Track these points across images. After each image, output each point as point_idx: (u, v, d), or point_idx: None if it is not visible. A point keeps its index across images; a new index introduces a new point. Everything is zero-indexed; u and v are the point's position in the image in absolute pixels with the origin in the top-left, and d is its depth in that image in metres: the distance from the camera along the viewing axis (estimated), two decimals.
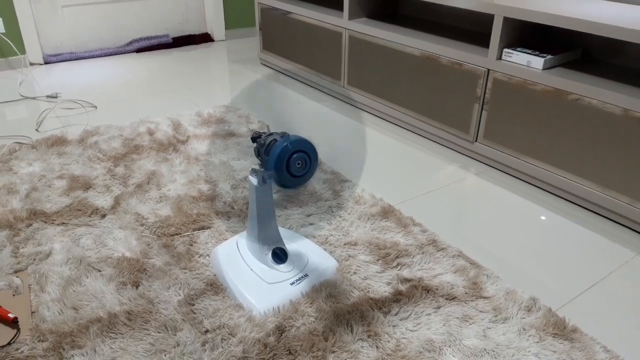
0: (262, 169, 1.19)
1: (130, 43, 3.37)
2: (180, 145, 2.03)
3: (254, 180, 1.21)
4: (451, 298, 1.26)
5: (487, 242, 1.51)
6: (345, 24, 2.41)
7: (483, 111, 1.90)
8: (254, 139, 1.22)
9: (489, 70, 1.85)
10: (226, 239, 1.45)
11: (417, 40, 2.08)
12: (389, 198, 1.70)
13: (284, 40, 2.88)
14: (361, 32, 2.33)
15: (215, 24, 3.62)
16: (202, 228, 1.51)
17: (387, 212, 1.59)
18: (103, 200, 1.64)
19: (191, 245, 1.43)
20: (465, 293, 1.28)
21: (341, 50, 2.48)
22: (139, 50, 3.35)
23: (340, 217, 1.57)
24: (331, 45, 2.53)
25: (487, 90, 1.87)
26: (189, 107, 2.46)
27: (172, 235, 1.48)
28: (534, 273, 1.38)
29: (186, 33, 3.59)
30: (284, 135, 1.15)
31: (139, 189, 1.71)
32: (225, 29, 3.67)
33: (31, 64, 3.03)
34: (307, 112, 2.45)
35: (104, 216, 1.57)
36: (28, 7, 2.92)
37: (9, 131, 2.18)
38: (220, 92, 2.74)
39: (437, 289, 1.29)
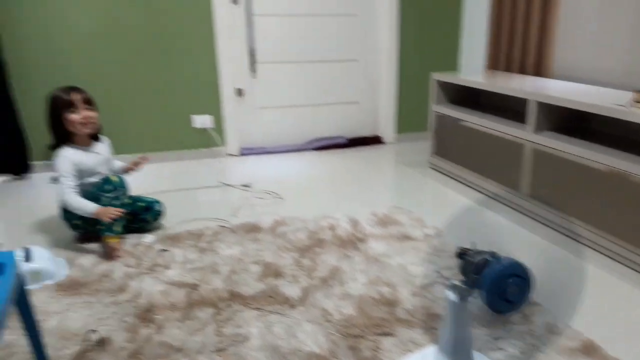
0: (464, 286, 1.18)
1: (311, 142, 3.72)
2: (359, 243, 2.12)
3: (453, 296, 1.21)
4: None
5: None
6: (529, 136, 2.39)
7: None
8: (459, 255, 1.23)
9: None
10: (411, 351, 1.44)
11: (609, 157, 1.97)
12: (588, 331, 1.55)
13: (456, 147, 2.94)
14: (547, 146, 2.29)
15: (386, 127, 3.84)
16: (385, 334, 1.52)
17: (589, 349, 1.45)
18: (292, 290, 1.76)
19: (376, 351, 1.45)
20: None
21: (522, 161, 2.44)
22: (317, 149, 3.67)
23: (533, 346, 1.47)
24: (510, 156, 2.51)
25: None
26: (363, 206, 2.58)
27: (356, 336, 1.51)
28: None
29: (359, 135, 3.86)
30: (494, 255, 1.15)
31: (324, 283, 1.81)
32: (396, 132, 3.87)
33: (228, 155, 3.49)
34: (482, 221, 2.41)
35: (293, 306, 1.67)
36: (233, 107, 3.43)
37: (209, 213, 2.48)
38: (392, 193, 2.84)
39: None
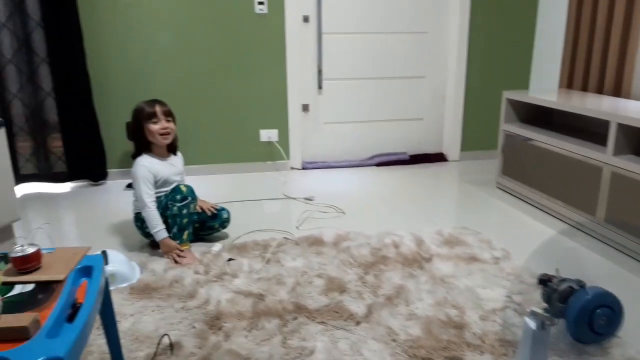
0: (546, 314, 1.13)
1: (372, 157, 3.71)
2: (425, 262, 2.09)
3: (531, 323, 1.16)
4: None
5: None
6: (608, 159, 2.27)
7: None
8: (542, 282, 1.19)
9: None
10: None
11: None
12: None
13: (526, 167, 2.84)
14: (627, 169, 2.16)
15: (451, 145, 3.78)
16: (453, 358, 1.48)
17: None
18: (357, 307, 1.75)
19: None
20: None
21: (599, 185, 2.32)
22: (379, 164, 3.65)
23: None
24: (586, 179, 2.40)
25: None
26: (427, 224, 2.54)
27: (423, 358, 1.48)
28: None
29: (422, 152, 3.81)
30: (580, 283, 1.10)
31: (389, 301, 1.78)
32: (460, 150, 3.79)
33: (291, 168, 3.54)
34: (554, 246, 2.30)
35: (358, 323, 1.66)
36: (298, 121, 3.49)
37: (274, 225, 2.52)
38: (457, 212, 2.78)
39: None
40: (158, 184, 2.19)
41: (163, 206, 2.14)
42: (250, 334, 1.59)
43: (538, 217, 2.67)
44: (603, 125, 2.36)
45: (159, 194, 2.18)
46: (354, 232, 2.40)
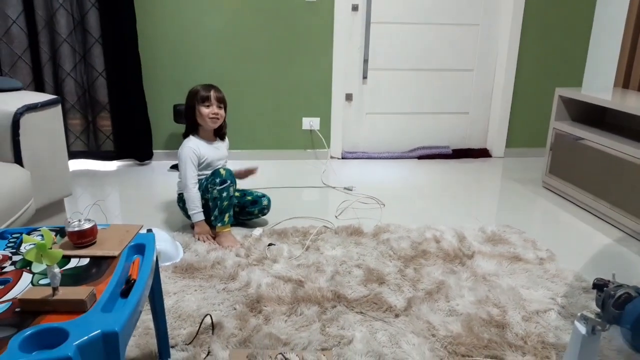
0: (598, 320, 1.10)
1: (414, 150, 3.67)
2: (466, 259, 2.06)
3: (581, 328, 1.13)
4: None
5: None
6: None
7: None
8: (597, 287, 1.15)
9: None
10: None
11: None
12: None
13: (575, 167, 2.75)
14: None
15: (496, 141, 3.69)
16: (494, 357, 1.46)
17: None
18: (396, 299, 1.74)
19: None
20: None
21: None
22: (420, 157, 3.61)
23: None
24: (638, 182, 2.30)
25: None
26: (470, 221, 2.49)
27: (463, 355, 1.46)
28: None
29: (466, 147, 3.74)
30: (638, 290, 1.06)
31: (429, 296, 1.77)
32: (505, 147, 3.70)
33: (331, 157, 3.54)
34: (602, 250, 2.23)
35: (397, 316, 1.65)
36: (341, 111, 3.47)
37: (313, 213, 2.53)
38: (501, 210, 2.72)
39: None
40: (202, 166, 2.23)
41: (203, 189, 2.18)
42: (289, 319, 1.61)
43: (586, 219, 2.59)
44: None
45: (200, 177, 2.22)
46: (394, 224, 2.38)
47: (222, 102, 2.23)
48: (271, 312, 1.64)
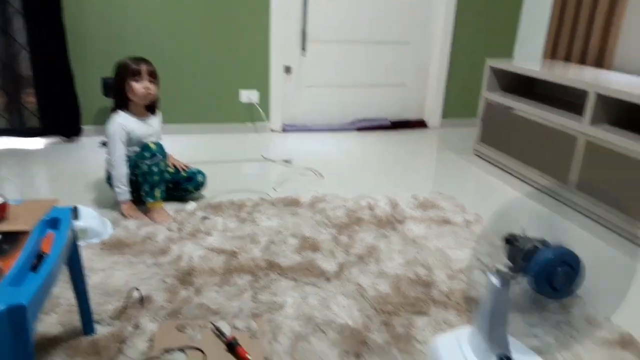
0: (509, 272, 1.16)
1: (354, 122, 3.70)
2: (398, 224, 2.11)
3: (495, 280, 1.19)
4: None
5: None
6: (584, 128, 2.30)
7: None
8: (508, 241, 1.21)
9: None
10: (444, 331, 1.43)
11: None
12: (628, 326, 1.50)
13: (504, 135, 2.86)
14: (603, 139, 2.19)
15: (432, 112, 3.78)
16: (419, 313, 1.52)
17: (626, 343, 1.41)
18: (328, 265, 1.77)
19: (409, 328, 1.44)
20: None
21: (574, 153, 2.35)
22: (359, 129, 3.64)
23: (569, 335, 1.43)
24: (562, 148, 2.43)
25: None
26: (404, 189, 2.56)
27: (390, 313, 1.51)
28: None
29: (404, 118, 3.81)
30: (544, 243, 1.12)
31: (360, 260, 1.81)
32: (442, 117, 3.80)
33: (271, 131, 3.52)
34: (523, 211, 2.35)
35: (329, 280, 1.68)
36: (281, 84, 3.44)
37: (251, 186, 2.52)
38: (434, 178, 2.80)
39: None
40: (131, 142, 2.16)
41: (133, 165, 2.12)
42: (221, 289, 1.61)
43: (512, 183, 2.71)
44: (582, 95, 2.37)
45: (130, 153, 2.15)
46: (331, 194, 2.41)
47: (153, 75, 2.15)
48: (203, 284, 1.63)
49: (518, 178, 2.77)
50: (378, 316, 1.50)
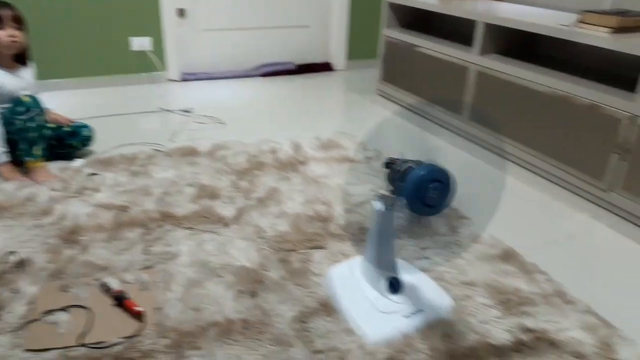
0: (391, 196, 1.18)
1: (258, 67, 3.58)
2: (300, 166, 2.10)
3: (379, 205, 1.21)
4: (579, 356, 1.15)
5: (619, 301, 1.36)
6: (474, 59, 2.36)
7: (623, 160, 1.74)
8: (387, 165, 1.22)
9: (634, 115, 1.70)
10: (339, 262, 1.45)
11: (552, 79, 1.98)
12: (510, 241, 1.60)
13: (404, 73, 2.89)
14: (491, 68, 2.27)
15: (337, 54, 3.74)
16: (316, 247, 1.53)
17: (508, 256, 1.51)
18: (227, 211, 1.73)
19: (306, 262, 1.45)
20: (596, 353, 1.16)
21: (466, 85, 2.43)
22: (264, 75, 3.54)
23: (457, 254, 1.51)
24: (456, 80, 2.49)
25: (629, 138, 1.71)
26: (309, 131, 2.53)
27: (288, 250, 1.51)
28: None
29: (309, 61, 3.74)
30: (419, 163, 1.14)
31: (260, 203, 1.78)
32: (346, 59, 3.77)
33: (169, 80, 3.33)
34: (424, 144, 2.41)
35: (227, 225, 1.65)
36: (174, 28, 3.23)
37: (147, 138, 2.38)
38: (338, 119, 2.80)
39: (563, 345, 1.18)
40: (2, 98, 1.94)
41: (7, 122, 1.91)
42: (110, 245, 1.52)
43: (413, 119, 2.77)
44: (474, 26, 2.42)
45: (2, 110, 1.94)
46: (232, 141, 2.33)
47: (19, 21, 1.92)
48: (89, 241, 1.54)
49: (418, 114, 2.83)
50: (276, 254, 1.49)
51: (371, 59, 3.81)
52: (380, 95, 3.17)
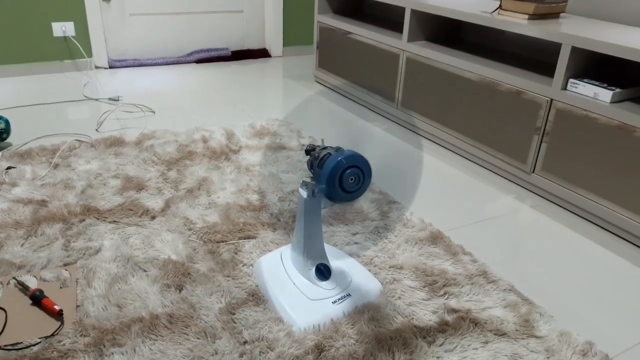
0: (313, 182, 1.17)
1: (191, 54, 3.48)
2: (233, 154, 2.06)
3: (303, 193, 1.20)
4: (500, 334, 1.20)
5: (540, 279, 1.43)
6: (403, 45, 2.39)
7: (543, 142, 1.83)
8: (307, 152, 1.21)
9: (552, 100, 1.78)
10: (271, 250, 1.44)
11: (477, 65, 2.04)
12: (438, 224, 1.65)
13: (339, 59, 2.90)
14: (419, 55, 2.31)
15: (273, 40, 3.69)
16: (248, 237, 1.51)
17: (435, 238, 1.55)
18: (154, 202, 1.67)
19: (236, 253, 1.43)
20: (516, 330, 1.21)
21: (397, 71, 2.46)
22: (198, 61, 3.45)
23: (386, 238, 1.53)
24: (387, 67, 2.52)
25: (548, 121, 1.80)
26: (243, 119, 2.49)
27: (218, 242, 1.48)
28: (589, 315, 1.30)
29: (245, 47, 3.68)
30: (338, 149, 1.14)
31: (190, 194, 1.74)
32: (283, 45, 3.73)
33: (96, 68, 3.17)
34: (358, 131, 2.43)
35: (153, 218, 1.59)
36: (98, 13, 3.07)
37: (70, 129, 2.27)
38: (274, 106, 2.77)
39: (485, 323, 1.22)
40: None
41: None
42: (26, 242, 1.44)
43: (349, 106, 2.78)
44: (404, 13, 2.45)
45: None
46: (161, 130, 2.25)
47: None
48: (4, 238, 1.44)
49: (353, 100, 2.85)
50: (204, 246, 1.46)
51: (308, 45, 3.79)
52: (317, 82, 3.16)
